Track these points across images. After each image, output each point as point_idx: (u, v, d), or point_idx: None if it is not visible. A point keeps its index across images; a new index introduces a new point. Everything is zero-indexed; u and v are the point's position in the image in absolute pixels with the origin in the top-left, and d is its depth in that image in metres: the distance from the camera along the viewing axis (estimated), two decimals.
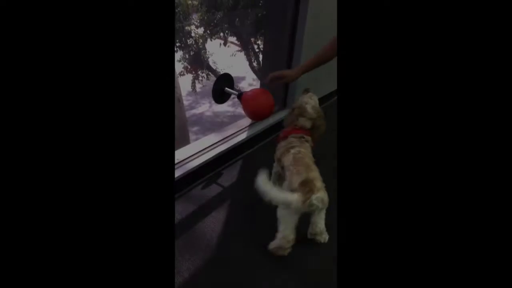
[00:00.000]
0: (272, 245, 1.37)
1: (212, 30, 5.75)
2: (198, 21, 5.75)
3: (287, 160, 1.34)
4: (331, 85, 2.99)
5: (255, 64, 6.43)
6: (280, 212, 1.29)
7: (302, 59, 2.24)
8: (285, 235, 1.30)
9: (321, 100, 2.82)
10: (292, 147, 1.40)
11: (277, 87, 2.41)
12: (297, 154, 1.34)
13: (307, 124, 1.53)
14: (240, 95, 1.74)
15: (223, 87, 1.84)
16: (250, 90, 1.73)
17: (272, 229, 1.53)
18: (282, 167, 1.38)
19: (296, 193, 1.19)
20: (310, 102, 1.55)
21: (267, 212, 1.63)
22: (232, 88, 1.87)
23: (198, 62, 6.16)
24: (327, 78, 2.84)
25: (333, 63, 2.82)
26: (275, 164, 1.58)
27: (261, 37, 5.81)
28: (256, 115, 1.75)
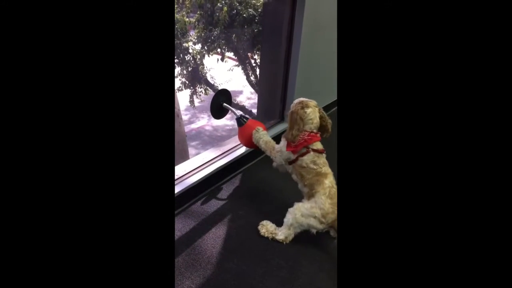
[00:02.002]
0: (272, 234, 1.54)
1: (210, 46, 5.85)
2: (195, 37, 5.86)
3: (323, 190, 1.46)
4: (330, 97, 3.02)
5: (252, 78, 6.51)
6: (293, 221, 1.48)
7: (298, 72, 2.27)
8: (289, 238, 1.52)
9: None
10: (325, 176, 1.48)
11: (275, 100, 2.43)
12: (332, 188, 1.47)
13: (317, 115, 1.49)
14: (240, 121, 1.79)
15: (221, 102, 1.86)
16: (250, 120, 1.79)
17: (273, 245, 1.51)
18: (312, 194, 1.49)
19: (324, 225, 1.46)
20: (301, 98, 1.54)
21: None
22: (230, 103, 1.89)
23: (196, 78, 6.24)
24: (325, 90, 2.87)
25: (330, 74, 2.85)
26: (297, 178, 1.57)
27: (257, 52, 5.91)
28: (250, 145, 1.83)
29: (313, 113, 1.48)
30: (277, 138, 2.04)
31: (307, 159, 1.47)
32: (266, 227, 1.56)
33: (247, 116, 1.82)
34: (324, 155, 1.52)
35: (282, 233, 1.51)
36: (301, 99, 1.55)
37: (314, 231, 1.48)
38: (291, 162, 1.54)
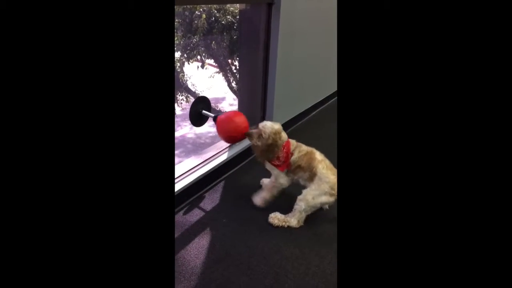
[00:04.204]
0: (286, 223, 1.64)
1: (189, 54, 5.82)
2: (174, 45, 5.82)
3: (320, 164, 1.60)
4: (308, 101, 3.07)
5: (233, 84, 6.52)
6: (306, 206, 1.60)
7: (277, 77, 2.29)
8: (300, 222, 1.65)
9: (295, 119, 2.87)
10: (312, 151, 1.64)
11: (255, 106, 2.44)
12: (324, 160, 1.64)
13: (285, 134, 1.67)
14: (215, 118, 1.75)
15: (199, 110, 1.84)
16: (224, 113, 1.74)
17: (258, 253, 1.50)
18: (314, 172, 1.60)
19: (334, 196, 1.60)
20: (272, 126, 1.62)
21: (252, 236, 1.60)
22: (210, 110, 1.88)
23: (177, 85, 6.18)
24: (304, 94, 2.91)
25: (308, 78, 2.89)
26: (298, 175, 1.66)
27: (237, 58, 5.93)
28: (228, 139, 1.75)
29: (284, 135, 1.64)
30: None
31: (295, 157, 1.63)
32: (277, 218, 1.65)
33: (221, 112, 1.79)
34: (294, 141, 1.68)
35: (294, 219, 1.63)
36: (273, 127, 1.60)
37: (326, 206, 1.67)
38: (287, 172, 1.68)
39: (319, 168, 1.58)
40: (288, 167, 1.64)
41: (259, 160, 1.66)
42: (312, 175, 1.60)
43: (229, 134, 1.67)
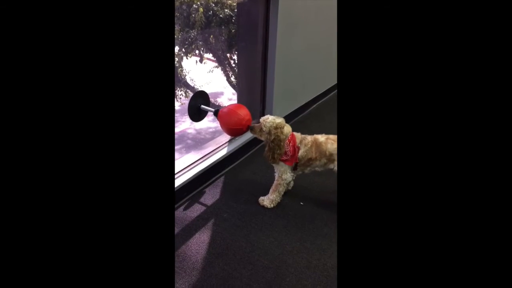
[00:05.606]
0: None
1: (187, 48, 5.77)
2: None
3: (331, 144, 1.62)
4: (308, 95, 3.05)
5: (232, 78, 6.47)
6: None
7: (276, 70, 2.27)
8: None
9: (296, 112, 2.86)
10: (315, 139, 1.66)
11: (254, 100, 2.42)
12: (328, 136, 1.65)
13: (289, 127, 1.68)
14: (216, 112, 1.74)
15: (198, 105, 1.83)
16: (226, 107, 1.73)
17: (259, 247, 1.50)
18: (329, 154, 1.63)
19: None
20: (273, 120, 1.62)
21: (253, 230, 1.60)
22: (208, 105, 1.86)
23: (175, 80, 6.14)
24: (304, 87, 2.89)
25: (308, 71, 2.87)
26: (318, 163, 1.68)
27: (236, 52, 5.88)
28: (233, 132, 1.74)
29: (287, 129, 1.63)
30: (257, 139, 2.04)
31: (303, 152, 1.63)
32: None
33: (221, 106, 1.79)
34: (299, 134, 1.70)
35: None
36: (274, 121, 1.61)
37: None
38: (295, 167, 1.68)
39: (330, 148, 1.61)
40: (297, 161, 1.64)
41: (269, 161, 1.64)
42: (329, 157, 1.63)
43: (233, 126, 1.67)
